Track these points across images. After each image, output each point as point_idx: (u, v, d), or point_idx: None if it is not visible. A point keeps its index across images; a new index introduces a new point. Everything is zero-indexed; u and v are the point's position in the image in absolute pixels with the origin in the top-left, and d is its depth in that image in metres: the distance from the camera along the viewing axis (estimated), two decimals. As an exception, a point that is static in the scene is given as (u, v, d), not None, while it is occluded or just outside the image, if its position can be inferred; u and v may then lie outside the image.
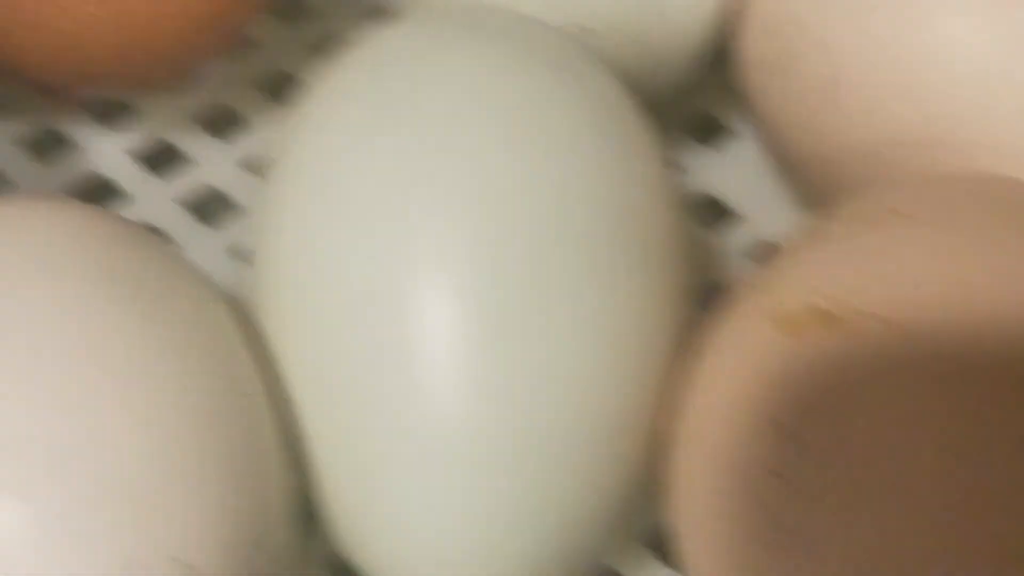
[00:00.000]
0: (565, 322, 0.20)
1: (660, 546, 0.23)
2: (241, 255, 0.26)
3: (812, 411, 0.19)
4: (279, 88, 0.28)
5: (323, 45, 0.29)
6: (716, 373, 0.20)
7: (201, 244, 0.26)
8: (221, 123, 0.28)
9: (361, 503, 0.20)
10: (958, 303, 0.19)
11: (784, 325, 0.19)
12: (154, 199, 0.26)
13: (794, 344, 0.19)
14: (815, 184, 0.25)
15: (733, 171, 0.28)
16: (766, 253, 0.26)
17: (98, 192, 0.26)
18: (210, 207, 0.27)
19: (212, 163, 0.27)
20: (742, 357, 0.20)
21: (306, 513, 0.21)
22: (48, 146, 0.27)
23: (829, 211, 0.21)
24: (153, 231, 0.26)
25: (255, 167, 0.27)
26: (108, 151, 0.27)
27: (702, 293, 0.23)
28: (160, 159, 0.27)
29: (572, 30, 0.24)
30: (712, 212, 0.28)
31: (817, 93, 0.24)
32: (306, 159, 0.21)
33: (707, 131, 0.29)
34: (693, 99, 0.28)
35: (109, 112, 0.27)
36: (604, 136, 0.21)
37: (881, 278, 0.19)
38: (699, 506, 0.19)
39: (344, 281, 0.20)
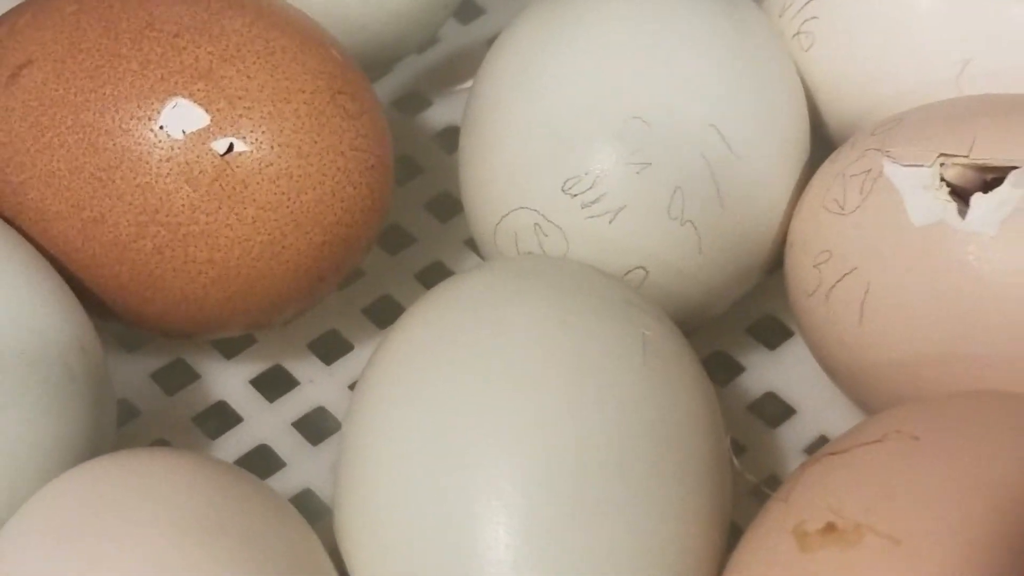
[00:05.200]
0: (610, 545, 0.22)
1: None
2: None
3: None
4: (385, 315, 0.31)
5: (426, 275, 0.32)
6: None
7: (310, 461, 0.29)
8: (332, 348, 0.31)
9: None
10: (961, 522, 0.21)
11: (800, 541, 0.22)
12: (268, 422, 0.30)
13: (809, 560, 0.21)
14: (856, 394, 0.27)
15: (793, 370, 0.30)
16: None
17: (218, 415, 0.30)
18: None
19: (322, 386, 0.30)
20: (764, 569, 0.22)
21: None
22: (175, 376, 0.30)
23: (847, 433, 0.24)
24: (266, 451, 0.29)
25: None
26: (229, 380, 0.30)
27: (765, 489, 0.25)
28: (275, 384, 0.31)
29: (637, 272, 0.27)
30: (775, 410, 0.30)
31: (848, 315, 0.26)
32: (384, 389, 0.24)
33: (768, 332, 0.31)
34: (755, 302, 0.31)
35: (232, 342, 0.31)
36: (650, 377, 0.24)
37: (888, 498, 0.22)
38: None
39: (413, 503, 0.23)
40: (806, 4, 0.29)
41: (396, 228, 0.33)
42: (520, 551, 0.22)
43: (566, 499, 0.22)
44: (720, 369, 0.31)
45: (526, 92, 0.27)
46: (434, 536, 0.22)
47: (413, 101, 0.36)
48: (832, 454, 0.23)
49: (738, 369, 0.31)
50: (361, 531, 0.24)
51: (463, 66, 0.36)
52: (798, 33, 0.30)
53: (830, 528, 0.21)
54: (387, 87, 0.36)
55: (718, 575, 0.23)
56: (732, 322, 0.31)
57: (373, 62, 0.34)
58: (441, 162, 0.34)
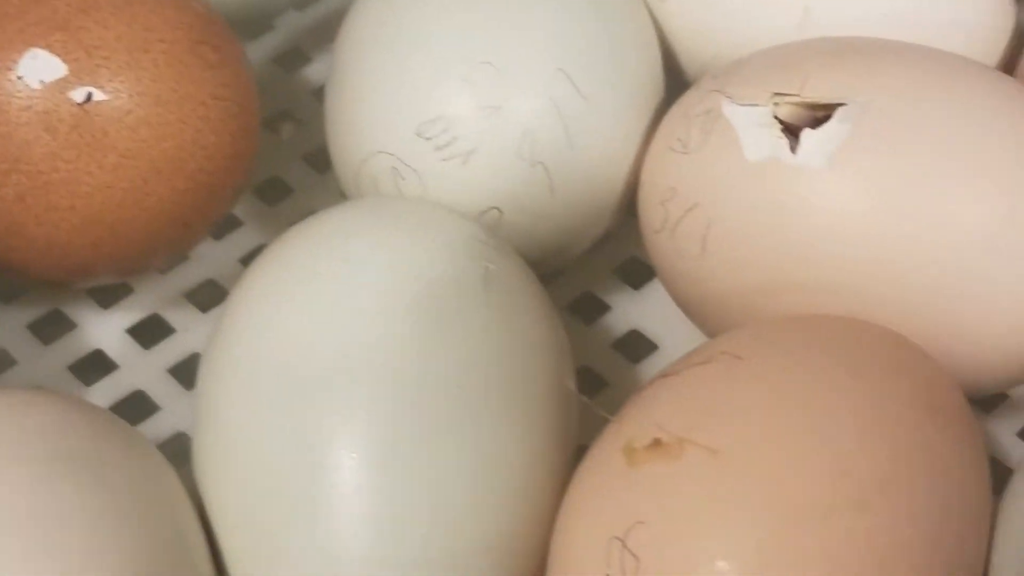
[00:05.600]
0: (452, 464, 0.23)
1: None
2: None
3: (646, 532, 0.22)
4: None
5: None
6: (577, 500, 0.23)
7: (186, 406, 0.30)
8: (209, 298, 0.32)
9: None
10: (775, 433, 0.22)
11: (628, 456, 0.23)
12: (143, 368, 0.31)
13: (635, 473, 0.23)
14: (704, 325, 0.28)
15: (656, 308, 0.31)
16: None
17: (94, 364, 0.31)
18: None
19: (198, 334, 0.31)
20: (595, 485, 0.23)
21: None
22: (51, 326, 0.31)
23: (681, 357, 0.25)
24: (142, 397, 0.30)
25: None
26: (106, 329, 0.31)
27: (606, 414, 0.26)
28: (152, 333, 0.31)
29: (492, 212, 0.28)
30: (639, 346, 0.31)
31: (692, 249, 0.27)
32: (239, 320, 0.25)
33: (633, 272, 0.32)
34: (621, 244, 0.32)
35: (109, 292, 0.32)
36: (492, 308, 0.25)
37: (709, 413, 0.23)
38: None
39: (262, 429, 0.24)
40: (660, -46, 0.30)
41: (275, 180, 0.34)
42: (363, 473, 0.23)
43: (409, 421, 0.23)
44: (587, 308, 0.32)
45: (383, 41, 0.28)
46: (282, 459, 0.23)
47: (294, 57, 0.36)
48: (664, 376, 0.24)
49: (604, 308, 0.32)
50: (212, 458, 0.24)
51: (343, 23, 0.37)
52: (654, -17, 0.31)
53: (656, 444, 0.22)
54: (268, 44, 0.36)
55: (562, 493, 0.24)
56: (599, 263, 0.32)
57: (253, 18, 0.35)
58: (320, 116, 0.35)
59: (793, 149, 0.26)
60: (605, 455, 0.23)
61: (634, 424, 0.23)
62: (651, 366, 0.31)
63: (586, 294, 0.32)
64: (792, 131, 0.26)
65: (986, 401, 0.30)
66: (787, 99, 0.26)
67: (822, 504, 0.21)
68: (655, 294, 0.31)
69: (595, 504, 0.23)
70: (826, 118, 0.26)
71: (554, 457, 0.24)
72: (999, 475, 0.26)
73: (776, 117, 0.26)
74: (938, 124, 0.26)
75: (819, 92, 0.26)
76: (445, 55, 0.27)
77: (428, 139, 0.27)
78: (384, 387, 0.23)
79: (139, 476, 0.24)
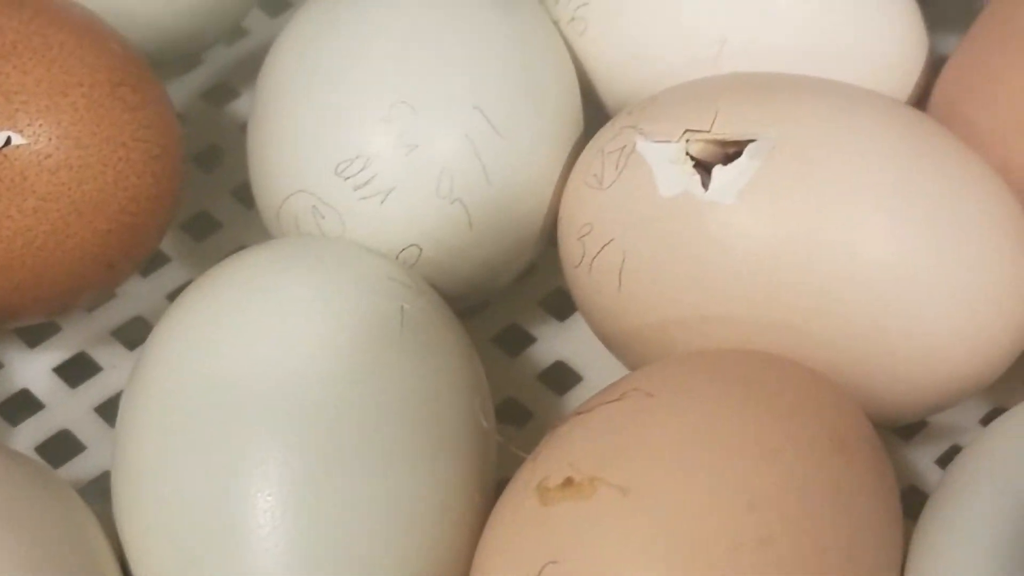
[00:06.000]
0: (368, 504, 0.24)
1: None
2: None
3: (558, 572, 0.22)
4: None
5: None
6: (492, 539, 0.24)
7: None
8: (136, 335, 0.32)
9: None
10: (685, 471, 0.23)
11: (541, 495, 0.23)
12: (70, 407, 0.31)
13: (549, 513, 0.23)
14: (624, 358, 0.29)
15: (580, 340, 0.32)
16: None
17: (20, 403, 0.31)
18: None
19: (124, 371, 0.31)
20: (509, 524, 0.23)
21: None
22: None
23: (595, 394, 0.25)
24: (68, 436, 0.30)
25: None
26: (32, 368, 0.31)
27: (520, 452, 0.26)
28: (79, 371, 0.31)
29: (411, 250, 0.28)
30: (564, 378, 0.32)
31: (609, 284, 0.27)
32: (159, 356, 0.26)
33: (558, 304, 0.32)
34: (546, 276, 0.32)
35: (36, 331, 0.32)
36: (408, 348, 0.25)
37: (621, 452, 0.23)
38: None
39: (177, 484, 0.24)
40: (578, -10, 0.31)
41: (203, 215, 0.34)
42: (278, 513, 0.23)
43: (324, 461, 0.24)
44: (513, 340, 0.32)
45: (302, 80, 0.29)
46: (197, 500, 0.24)
47: (222, 92, 0.37)
48: (578, 414, 0.24)
49: (530, 340, 0.32)
50: (129, 497, 0.25)
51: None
52: (572, 19, 0.31)
53: (568, 482, 0.23)
54: (197, 78, 0.37)
55: (480, 532, 0.24)
56: (524, 295, 0.32)
57: (181, 53, 0.35)
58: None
59: (705, 185, 0.26)
60: (519, 494, 0.24)
61: (547, 462, 0.23)
62: (576, 398, 0.31)
63: (512, 326, 0.32)
64: (704, 167, 0.26)
65: (905, 429, 0.30)
66: (698, 135, 0.26)
67: (728, 540, 0.22)
68: (580, 326, 0.32)
69: (509, 543, 0.23)
70: (737, 154, 0.26)
71: (471, 496, 0.25)
72: (918, 502, 0.26)
73: (688, 153, 0.27)
74: (847, 159, 0.26)
75: (730, 128, 0.26)
76: (363, 94, 0.28)
77: (347, 178, 0.28)
78: (299, 427, 0.24)
79: (54, 521, 0.24)
